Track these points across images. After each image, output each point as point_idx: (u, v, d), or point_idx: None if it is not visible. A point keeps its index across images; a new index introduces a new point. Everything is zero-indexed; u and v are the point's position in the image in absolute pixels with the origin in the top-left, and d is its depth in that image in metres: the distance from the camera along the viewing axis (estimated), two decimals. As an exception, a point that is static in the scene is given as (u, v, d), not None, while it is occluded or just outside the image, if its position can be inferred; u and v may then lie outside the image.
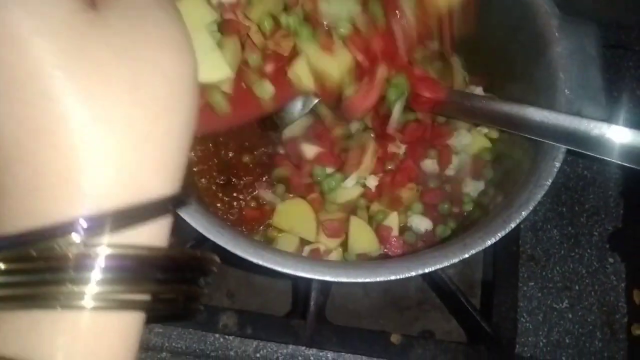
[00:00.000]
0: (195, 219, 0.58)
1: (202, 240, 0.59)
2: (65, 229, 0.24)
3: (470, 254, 0.57)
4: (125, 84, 0.25)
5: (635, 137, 0.57)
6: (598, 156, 0.60)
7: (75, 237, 0.24)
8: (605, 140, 0.60)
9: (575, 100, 0.66)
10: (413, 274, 0.55)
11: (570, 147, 0.62)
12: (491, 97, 0.76)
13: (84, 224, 0.24)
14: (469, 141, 0.80)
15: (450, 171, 0.81)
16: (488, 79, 0.83)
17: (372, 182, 0.77)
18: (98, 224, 0.24)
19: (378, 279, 0.55)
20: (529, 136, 0.66)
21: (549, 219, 0.93)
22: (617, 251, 0.91)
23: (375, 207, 0.78)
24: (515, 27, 0.75)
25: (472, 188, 0.81)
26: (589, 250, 0.91)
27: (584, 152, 0.61)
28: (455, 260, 0.57)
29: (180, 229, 0.71)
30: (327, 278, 0.55)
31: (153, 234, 0.26)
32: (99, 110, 0.24)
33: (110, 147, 0.24)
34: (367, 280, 0.55)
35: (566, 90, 0.66)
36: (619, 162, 0.59)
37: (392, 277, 0.55)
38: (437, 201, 0.80)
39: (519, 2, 0.73)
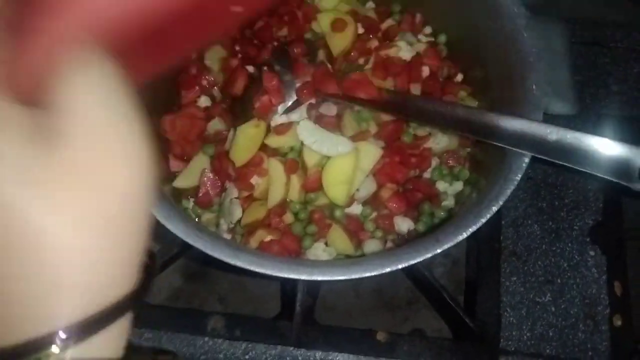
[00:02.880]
0: (175, 225, 0.60)
1: (186, 246, 0.61)
2: (47, 341, 0.25)
3: (442, 249, 0.59)
4: (82, 200, 0.26)
5: (611, 148, 0.58)
6: (569, 166, 0.61)
7: (55, 349, 0.25)
8: (578, 149, 0.60)
9: (542, 97, 0.68)
10: (387, 270, 0.57)
11: (537, 155, 0.63)
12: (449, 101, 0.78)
13: (62, 335, 0.25)
14: (446, 143, 0.82)
15: (427, 174, 0.83)
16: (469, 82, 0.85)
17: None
18: (72, 333, 0.25)
19: (353, 277, 0.57)
20: (492, 142, 0.67)
21: (530, 214, 0.94)
22: (598, 244, 0.92)
23: (355, 209, 0.79)
24: (486, 31, 0.77)
25: (449, 187, 0.83)
26: (569, 244, 0.93)
27: (552, 160, 0.62)
28: (428, 255, 0.58)
29: (164, 236, 0.73)
30: (303, 277, 0.57)
31: (115, 334, 0.28)
32: (65, 220, 0.25)
33: (81, 257, 0.26)
34: (341, 277, 0.57)
35: (533, 87, 0.68)
36: (594, 173, 0.60)
37: (367, 274, 0.57)
38: (417, 200, 0.81)
39: (486, 4, 0.75)
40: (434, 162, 0.83)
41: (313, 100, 0.79)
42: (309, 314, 0.85)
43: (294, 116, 0.78)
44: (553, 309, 0.89)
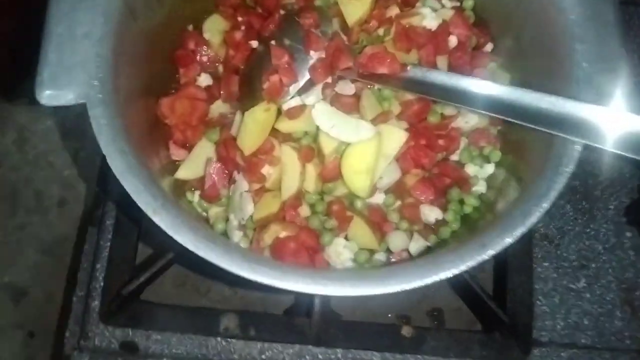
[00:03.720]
0: (180, 232, 0.52)
1: (183, 251, 0.54)
2: None
3: (489, 255, 0.52)
4: None
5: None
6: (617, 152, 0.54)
7: None
8: (625, 134, 0.53)
9: (594, 75, 0.59)
10: (427, 282, 0.50)
11: (594, 144, 0.55)
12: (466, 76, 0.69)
13: None
14: (476, 121, 0.74)
15: (455, 156, 0.75)
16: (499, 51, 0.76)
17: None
18: None
19: (387, 291, 0.50)
20: (539, 129, 0.59)
21: (562, 193, 0.87)
22: (635, 224, 0.86)
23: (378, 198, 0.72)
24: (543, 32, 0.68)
25: (480, 170, 0.75)
26: (605, 225, 0.86)
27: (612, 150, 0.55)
28: (473, 263, 0.52)
29: (159, 241, 0.65)
30: (331, 292, 0.50)
31: None
32: None
33: None
34: (376, 292, 0.50)
35: (584, 64, 0.60)
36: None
37: (402, 288, 0.50)
38: (445, 186, 0.74)
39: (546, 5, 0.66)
40: (462, 143, 0.75)
41: (329, 80, 0.71)
42: (325, 308, 0.79)
43: (308, 98, 0.69)
44: (588, 295, 0.83)
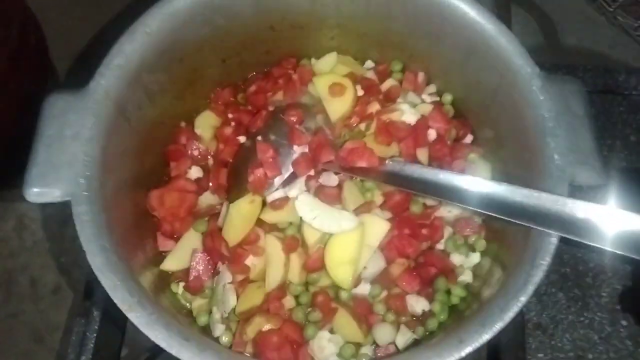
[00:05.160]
0: (154, 329, 0.52)
1: (158, 351, 0.53)
2: None
3: (466, 352, 0.51)
4: None
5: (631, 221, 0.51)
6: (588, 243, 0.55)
7: None
8: (595, 225, 0.54)
9: (566, 167, 0.61)
10: (403, 381, 0.49)
11: (565, 236, 0.56)
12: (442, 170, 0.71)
13: None
14: (459, 210, 0.75)
15: (440, 245, 0.75)
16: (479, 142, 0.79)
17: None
18: None
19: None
20: (515, 222, 0.60)
21: (553, 282, 0.86)
22: (630, 312, 0.84)
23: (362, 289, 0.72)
24: (495, 89, 0.71)
25: (466, 259, 0.75)
26: (599, 314, 0.85)
27: (585, 242, 0.56)
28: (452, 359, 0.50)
29: (133, 339, 0.64)
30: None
31: None
32: None
33: None
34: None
35: (556, 156, 0.61)
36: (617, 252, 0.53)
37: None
38: (431, 276, 0.74)
39: (497, 61, 0.69)
40: (447, 232, 0.76)
41: (311, 172, 0.73)
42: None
43: (292, 191, 0.71)
44: (586, 389, 0.80)
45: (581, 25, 1.14)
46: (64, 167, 0.60)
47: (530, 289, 0.54)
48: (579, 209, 0.55)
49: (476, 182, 0.64)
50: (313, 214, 0.69)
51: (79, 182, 0.59)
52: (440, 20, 0.72)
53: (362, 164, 0.71)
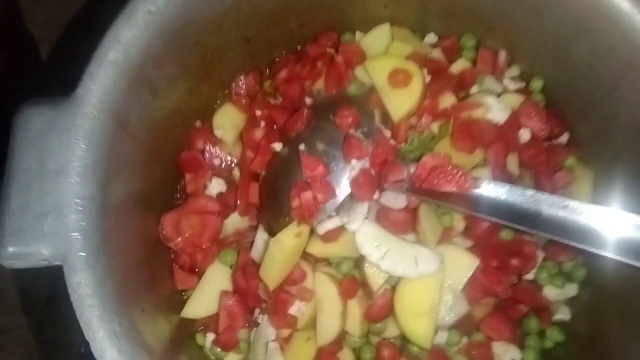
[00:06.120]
0: None
1: None
2: None
3: None
4: None
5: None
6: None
7: None
8: None
9: None
10: None
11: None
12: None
13: None
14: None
15: (530, 275, 0.60)
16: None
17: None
18: None
19: None
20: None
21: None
22: None
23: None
24: (616, 77, 0.54)
25: (560, 292, 0.60)
26: None
27: None
28: None
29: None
30: None
31: None
32: None
33: None
34: None
35: None
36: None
37: None
38: (520, 316, 0.59)
39: (624, 44, 0.52)
40: (538, 258, 0.60)
41: (375, 196, 0.56)
42: None
43: (351, 223, 0.54)
44: None
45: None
46: (50, 216, 0.42)
47: None
48: None
49: (625, 218, 0.47)
50: (380, 251, 0.53)
51: (72, 237, 0.42)
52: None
53: (449, 188, 0.54)
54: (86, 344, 0.41)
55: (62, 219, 0.42)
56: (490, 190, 0.52)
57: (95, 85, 0.46)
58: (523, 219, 0.51)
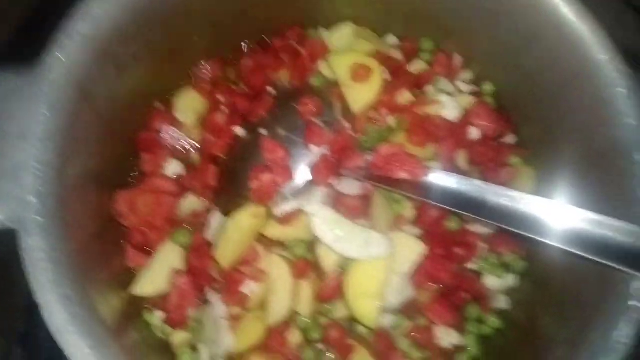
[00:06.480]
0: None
1: None
2: None
3: None
4: None
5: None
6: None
7: None
8: None
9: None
10: None
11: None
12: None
13: None
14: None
15: (473, 264, 0.63)
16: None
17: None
18: None
19: None
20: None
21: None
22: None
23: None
24: (563, 85, 0.58)
25: (500, 282, 0.64)
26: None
27: None
28: None
29: None
30: None
31: None
32: None
33: None
34: None
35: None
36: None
37: None
38: (462, 303, 0.62)
39: (572, 53, 0.56)
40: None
41: (333, 181, 0.58)
42: None
43: (309, 205, 0.56)
44: None
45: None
46: (7, 179, 0.42)
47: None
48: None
49: (565, 209, 0.51)
50: (335, 234, 0.55)
51: (29, 201, 0.42)
52: (499, -7, 0.58)
53: (403, 175, 0.57)
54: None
55: (19, 181, 0.42)
56: (440, 178, 0.55)
57: (63, 55, 0.46)
58: (470, 206, 0.54)
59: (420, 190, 0.56)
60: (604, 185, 0.54)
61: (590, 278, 0.52)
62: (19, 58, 0.47)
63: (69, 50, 0.47)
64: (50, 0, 0.59)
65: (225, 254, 0.57)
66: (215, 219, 0.60)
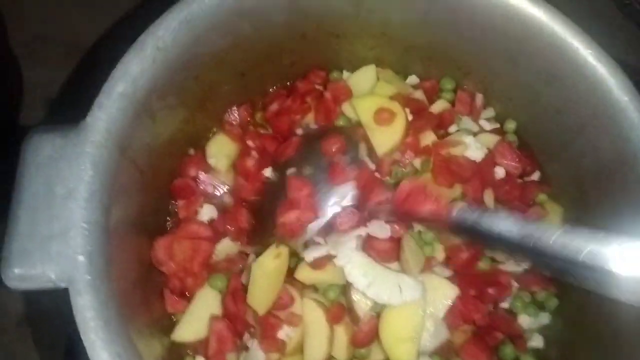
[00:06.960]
0: None
1: None
2: None
3: None
4: None
5: None
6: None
7: None
8: None
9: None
10: None
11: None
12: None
13: None
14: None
15: (505, 304, 0.64)
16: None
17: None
18: None
19: None
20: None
21: None
22: None
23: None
24: (583, 123, 0.59)
25: (534, 320, 0.64)
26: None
27: None
28: None
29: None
30: None
31: None
32: None
33: None
34: None
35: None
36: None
37: None
38: (496, 343, 0.62)
39: (592, 93, 0.57)
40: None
41: (360, 230, 0.59)
42: None
43: (340, 256, 0.57)
44: None
45: None
46: (56, 239, 0.44)
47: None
48: None
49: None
50: (367, 279, 0.56)
51: (79, 260, 0.43)
52: (519, 36, 0.59)
53: (424, 210, 0.58)
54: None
55: (68, 242, 0.44)
56: (465, 215, 0.56)
57: (104, 115, 0.48)
58: (499, 245, 0.54)
59: (449, 227, 0.57)
60: (633, 224, 0.55)
61: (628, 316, 0.52)
62: (63, 120, 0.49)
63: (109, 110, 0.49)
64: (90, 62, 0.62)
65: (258, 299, 0.58)
66: (250, 261, 0.61)
